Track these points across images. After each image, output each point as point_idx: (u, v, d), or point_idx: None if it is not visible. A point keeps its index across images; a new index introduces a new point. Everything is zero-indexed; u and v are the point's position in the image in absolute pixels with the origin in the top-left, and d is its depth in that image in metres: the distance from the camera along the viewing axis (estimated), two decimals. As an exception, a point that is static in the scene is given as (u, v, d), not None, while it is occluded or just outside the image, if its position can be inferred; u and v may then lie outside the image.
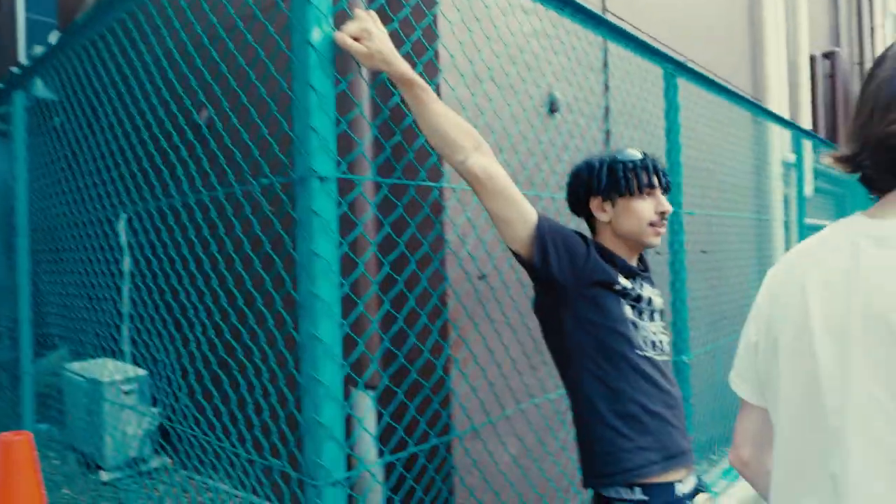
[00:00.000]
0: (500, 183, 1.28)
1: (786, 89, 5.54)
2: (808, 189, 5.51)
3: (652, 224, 1.38)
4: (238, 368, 1.55)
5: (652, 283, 1.51)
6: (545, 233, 1.31)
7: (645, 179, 1.37)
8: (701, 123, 3.52)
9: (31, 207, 2.97)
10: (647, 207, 1.38)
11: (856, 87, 8.66)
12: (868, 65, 9.08)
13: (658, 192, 1.40)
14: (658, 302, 1.45)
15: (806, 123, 6.04)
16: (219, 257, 1.40)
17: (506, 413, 2.10)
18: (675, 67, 2.53)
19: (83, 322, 3.86)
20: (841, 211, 6.64)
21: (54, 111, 3.85)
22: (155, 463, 3.53)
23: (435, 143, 1.27)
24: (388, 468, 2.15)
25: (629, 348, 1.33)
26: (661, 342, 1.41)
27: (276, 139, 1.45)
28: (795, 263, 0.90)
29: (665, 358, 1.41)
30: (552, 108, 2.79)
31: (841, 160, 0.86)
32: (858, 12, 8.76)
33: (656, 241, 1.40)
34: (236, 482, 2.90)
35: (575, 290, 1.33)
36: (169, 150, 1.85)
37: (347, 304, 1.45)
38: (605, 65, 3.10)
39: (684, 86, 2.82)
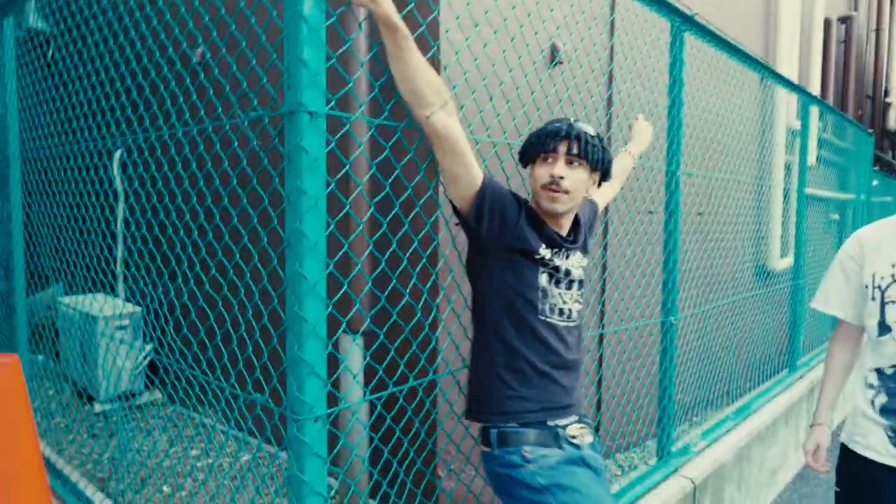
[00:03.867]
0: (458, 143, 1.35)
1: (797, 53, 5.42)
2: (811, 158, 5.45)
3: (544, 187, 1.43)
4: (223, 304, 1.55)
5: (584, 252, 1.59)
6: (486, 197, 1.39)
7: (549, 145, 1.42)
8: (707, 83, 3.46)
9: (25, 139, 2.92)
10: (542, 172, 1.44)
11: (871, 54, 8.47)
12: (885, 31, 8.85)
13: (560, 158, 1.42)
14: (577, 273, 1.54)
15: (815, 90, 5.93)
16: (206, 192, 1.39)
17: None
18: (683, 21, 2.46)
19: (77, 257, 3.87)
20: (843, 183, 6.59)
21: (46, 43, 3.76)
22: (146, 397, 3.60)
23: (405, 93, 1.31)
24: (374, 409, 2.20)
25: (532, 313, 1.45)
26: (569, 310, 1.52)
27: (268, 73, 1.41)
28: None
29: (570, 324, 1.52)
30: (553, 60, 2.72)
31: None
32: (880, -23, 8.49)
33: (552, 206, 1.44)
34: (221, 417, 2.96)
35: (497, 253, 1.44)
36: (159, 83, 1.81)
37: (334, 244, 1.44)
38: (612, 16, 3.02)
39: (691, 42, 2.76)
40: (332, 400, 1.67)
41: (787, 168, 5.07)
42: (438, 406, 2.18)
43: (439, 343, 2.16)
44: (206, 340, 1.53)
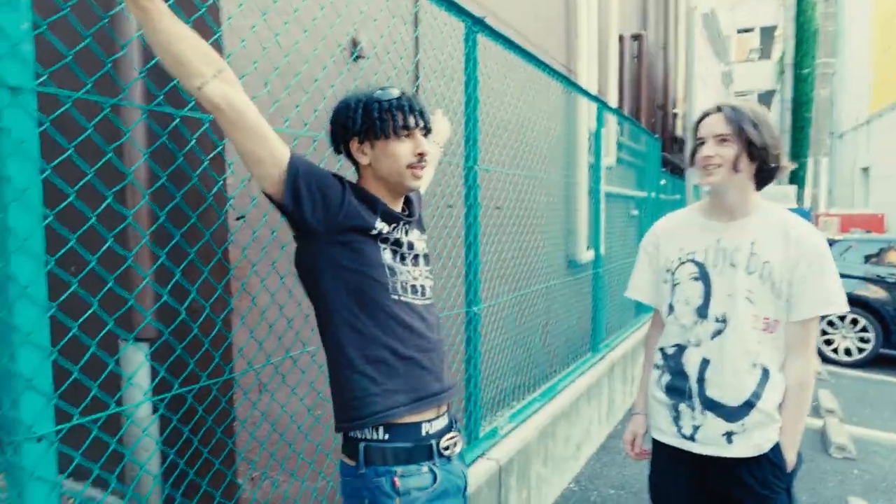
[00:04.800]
0: (246, 115, 1.18)
1: (596, 65, 5.97)
2: (610, 159, 6.05)
3: (410, 166, 1.36)
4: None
5: (421, 228, 1.53)
6: (299, 174, 1.25)
7: (401, 121, 1.33)
8: (515, 86, 3.67)
9: None
10: (404, 149, 1.35)
11: (660, 69, 9.63)
12: (671, 49, 10.13)
13: (417, 133, 1.37)
14: (420, 246, 1.46)
15: (613, 98, 6.59)
16: None
17: (289, 355, 2.06)
18: (474, 23, 2.57)
19: None
20: (640, 182, 7.40)
21: None
22: None
23: (168, 64, 1.14)
24: (165, 423, 2.02)
25: (384, 294, 1.33)
26: (422, 287, 1.43)
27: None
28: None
29: (426, 302, 1.44)
30: (356, 55, 2.71)
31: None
32: (665, 1, 9.69)
33: (416, 183, 1.40)
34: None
35: (329, 235, 1.30)
36: None
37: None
38: (415, 9, 3.08)
39: (497, 47, 2.89)
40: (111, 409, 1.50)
41: (591, 168, 5.57)
42: (237, 406, 2.05)
43: (238, 341, 2.03)
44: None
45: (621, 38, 7.20)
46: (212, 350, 1.89)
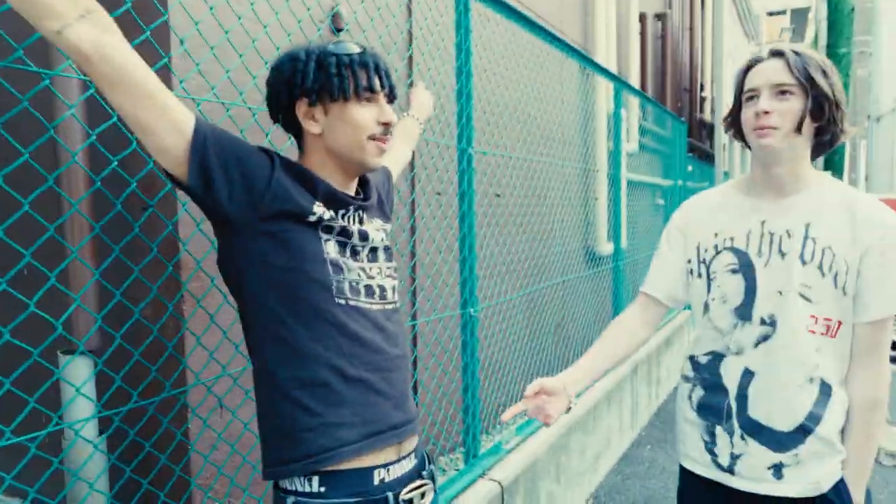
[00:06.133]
0: (126, 70, 0.89)
1: (615, 45, 5.58)
2: (632, 145, 5.66)
3: (373, 138, 1.09)
4: None
5: (384, 216, 1.24)
6: (208, 147, 0.97)
7: (364, 80, 1.07)
8: (522, 63, 3.34)
9: None
10: (367, 116, 1.08)
11: (685, 51, 9.14)
12: (697, 30, 9.62)
13: (381, 98, 1.10)
14: (378, 237, 1.16)
15: (635, 80, 6.19)
16: None
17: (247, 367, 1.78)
18: (465, -15, 2.25)
19: None
20: (666, 169, 6.98)
21: None
22: None
23: (17, 5, 0.85)
24: (113, 444, 1.76)
25: (326, 297, 1.03)
26: (381, 287, 1.13)
27: None
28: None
29: (387, 307, 1.13)
30: (336, 26, 2.41)
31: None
32: (691, -21, 9.19)
33: (377, 160, 1.12)
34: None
35: (252, 225, 1.01)
36: None
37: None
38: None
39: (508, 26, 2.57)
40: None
41: (611, 154, 5.20)
42: (186, 425, 1.78)
43: (184, 352, 1.76)
44: None
45: (643, 18, 6.78)
46: (147, 364, 1.62)
